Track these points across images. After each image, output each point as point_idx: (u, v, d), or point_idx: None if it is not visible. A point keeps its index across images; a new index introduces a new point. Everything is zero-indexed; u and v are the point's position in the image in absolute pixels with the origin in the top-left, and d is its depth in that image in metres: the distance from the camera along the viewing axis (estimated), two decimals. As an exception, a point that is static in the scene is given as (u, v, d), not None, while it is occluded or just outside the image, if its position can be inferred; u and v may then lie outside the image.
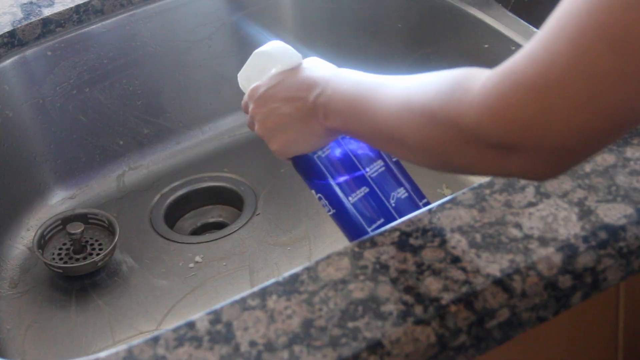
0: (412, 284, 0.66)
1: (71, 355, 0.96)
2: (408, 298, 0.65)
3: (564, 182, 0.73)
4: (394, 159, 0.80)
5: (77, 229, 1.05)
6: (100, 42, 1.12)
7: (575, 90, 0.55)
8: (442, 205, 0.72)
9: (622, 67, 0.54)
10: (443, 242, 0.69)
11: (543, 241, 0.68)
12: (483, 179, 0.76)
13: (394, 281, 0.67)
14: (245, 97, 0.82)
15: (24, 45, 1.08)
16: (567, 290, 0.67)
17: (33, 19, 1.08)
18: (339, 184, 0.77)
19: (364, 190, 0.77)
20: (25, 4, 1.10)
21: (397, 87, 0.69)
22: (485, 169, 0.63)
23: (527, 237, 0.69)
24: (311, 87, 0.76)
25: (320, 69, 0.78)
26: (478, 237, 0.69)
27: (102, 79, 1.14)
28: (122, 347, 0.65)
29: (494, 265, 0.67)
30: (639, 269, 0.70)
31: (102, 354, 0.65)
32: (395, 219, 0.75)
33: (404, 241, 0.70)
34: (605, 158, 0.75)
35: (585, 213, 0.70)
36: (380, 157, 0.79)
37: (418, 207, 0.77)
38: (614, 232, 0.69)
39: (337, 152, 0.79)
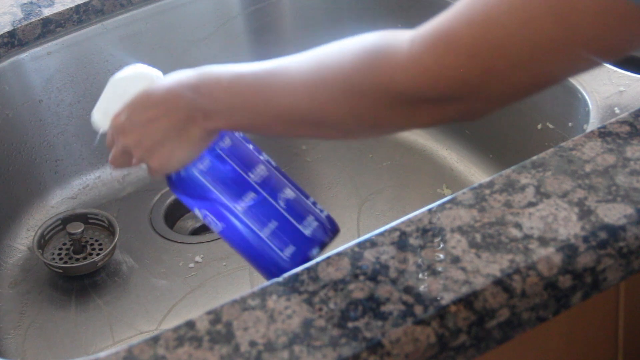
0: (412, 284, 0.66)
1: (71, 355, 0.96)
2: (408, 298, 0.65)
3: (564, 182, 0.73)
4: (274, 164, 0.78)
5: (77, 229, 1.05)
6: (100, 42, 1.12)
7: (517, 54, 0.58)
8: (442, 205, 0.72)
9: (565, 36, 0.57)
10: (443, 242, 0.69)
11: (543, 241, 0.68)
12: (483, 179, 0.76)
13: (394, 281, 0.67)
14: (108, 131, 0.78)
15: (24, 45, 1.08)
16: (567, 290, 0.67)
17: (33, 19, 1.08)
18: (224, 195, 0.75)
19: (251, 196, 0.75)
20: (25, 4, 1.10)
21: (298, 69, 0.68)
22: (421, 121, 0.65)
23: (527, 237, 0.69)
24: (179, 96, 0.73)
25: (182, 76, 0.74)
26: (478, 237, 0.69)
27: (102, 79, 1.13)
28: (122, 347, 0.65)
29: (494, 265, 0.67)
30: (639, 269, 0.70)
31: (102, 354, 0.65)
32: (288, 221, 0.74)
33: (404, 241, 0.70)
34: (605, 158, 0.75)
35: (585, 213, 0.70)
36: (261, 161, 0.77)
37: (307, 206, 0.76)
38: (614, 232, 0.69)
39: (218, 162, 0.75)
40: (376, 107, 0.63)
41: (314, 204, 0.77)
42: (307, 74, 0.67)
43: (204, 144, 0.74)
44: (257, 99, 0.69)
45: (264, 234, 0.74)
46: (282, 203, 0.75)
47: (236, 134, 0.77)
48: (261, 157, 0.77)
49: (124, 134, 0.76)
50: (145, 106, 0.75)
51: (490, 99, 0.62)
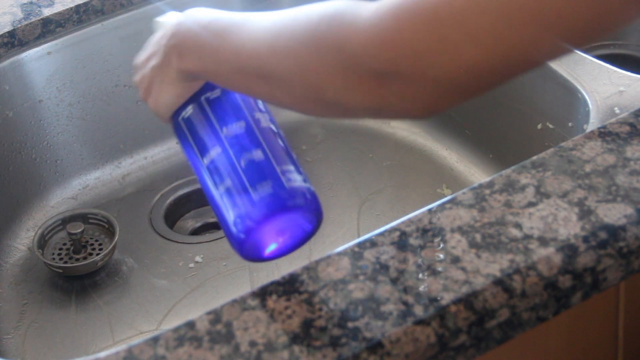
0: (412, 284, 0.66)
1: (71, 355, 0.96)
2: (408, 298, 0.65)
3: (564, 182, 0.73)
4: (272, 128, 0.74)
5: (77, 229, 1.05)
6: (100, 42, 1.12)
7: (475, 24, 0.56)
8: (442, 205, 0.72)
9: (530, 8, 0.55)
10: (443, 242, 0.69)
11: (543, 241, 0.68)
12: (483, 179, 0.76)
13: (394, 281, 0.67)
14: None
15: (24, 45, 1.08)
16: (567, 290, 0.67)
17: (33, 19, 1.08)
18: (197, 146, 0.74)
19: (216, 151, 0.72)
20: (25, 4, 1.10)
21: (268, 20, 0.67)
22: (360, 98, 0.61)
23: (527, 237, 0.69)
24: (165, 35, 0.73)
25: (181, 15, 0.74)
26: (478, 237, 0.69)
27: (102, 79, 1.14)
28: (122, 347, 0.65)
29: (494, 265, 0.67)
30: (639, 269, 0.70)
31: (102, 354, 0.65)
32: (241, 181, 0.70)
33: (404, 241, 0.70)
34: (605, 158, 0.75)
35: (585, 213, 0.70)
36: (245, 119, 0.74)
37: (274, 174, 0.71)
38: (614, 232, 0.69)
39: (197, 111, 0.75)
40: (324, 68, 0.61)
41: (286, 172, 0.71)
42: (272, 23, 0.66)
43: (183, 88, 0.74)
44: (224, 43, 0.68)
45: (219, 191, 0.72)
46: (243, 163, 0.71)
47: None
48: (250, 116, 0.74)
49: (135, 76, 0.78)
50: (147, 46, 0.77)
51: (438, 83, 0.58)
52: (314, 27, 0.62)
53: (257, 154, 0.72)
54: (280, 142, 0.74)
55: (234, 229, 0.70)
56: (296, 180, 0.71)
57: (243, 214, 0.70)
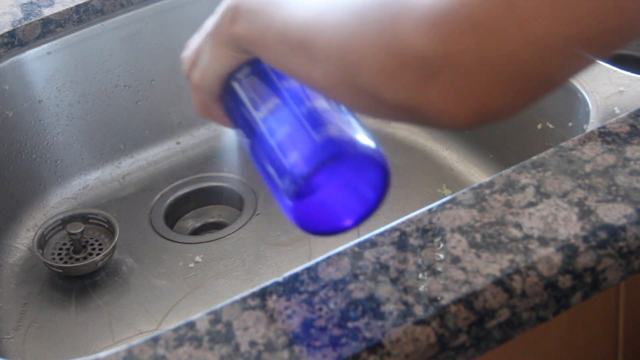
0: (412, 284, 0.66)
1: (71, 355, 0.96)
2: (408, 298, 0.65)
3: (564, 182, 0.73)
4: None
5: (77, 229, 1.05)
6: (100, 42, 1.12)
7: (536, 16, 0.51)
8: (442, 205, 0.72)
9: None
10: (443, 242, 0.69)
11: (543, 241, 0.68)
12: (483, 179, 0.76)
13: (394, 281, 0.67)
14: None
15: (24, 45, 1.08)
16: (567, 290, 0.67)
17: (33, 19, 1.08)
18: (252, 103, 0.69)
19: (274, 102, 0.68)
20: (25, 4, 1.10)
21: None
22: (397, 90, 0.55)
23: (527, 237, 0.69)
24: (221, 5, 0.70)
25: None
26: (478, 237, 0.69)
27: (102, 79, 1.14)
28: (122, 347, 0.65)
29: (494, 265, 0.67)
30: (639, 269, 0.70)
31: (102, 354, 0.65)
32: (302, 125, 0.65)
33: (404, 241, 0.70)
34: (605, 158, 0.75)
35: (585, 213, 0.70)
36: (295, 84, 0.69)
37: (334, 117, 0.66)
38: (614, 232, 0.69)
39: (252, 73, 0.70)
40: (364, 45, 0.55)
41: (350, 122, 0.66)
42: None
43: (233, 58, 0.69)
44: (277, 9, 0.63)
45: (276, 138, 0.66)
46: (303, 109, 0.66)
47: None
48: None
49: (184, 62, 0.74)
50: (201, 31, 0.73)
51: (496, 73, 0.52)
52: (371, 4, 0.55)
53: (320, 103, 0.66)
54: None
55: (291, 173, 0.64)
56: (361, 131, 0.65)
57: (304, 157, 0.63)
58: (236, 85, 0.71)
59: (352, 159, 0.64)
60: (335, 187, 0.66)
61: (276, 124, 0.67)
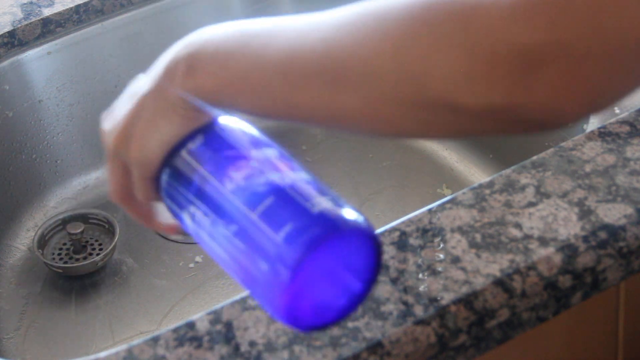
0: (412, 284, 0.66)
1: (71, 355, 0.96)
2: (408, 298, 0.65)
3: (564, 182, 0.73)
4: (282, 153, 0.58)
5: (77, 229, 1.05)
6: (100, 42, 1.12)
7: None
8: (442, 205, 0.72)
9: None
10: (443, 242, 0.69)
11: (543, 241, 0.68)
12: (483, 179, 0.76)
13: (394, 281, 0.67)
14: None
15: (24, 45, 1.08)
16: (567, 290, 0.67)
17: (33, 19, 1.08)
18: (215, 176, 0.57)
19: (245, 172, 0.56)
20: (25, 4, 1.10)
21: (323, 16, 0.52)
22: (489, 92, 0.47)
23: (527, 237, 0.69)
24: (162, 60, 0.60)
25: (191, 35, 0.59)
26: (478, 237, 0.69)
27: (102, 79, 1.14)
28: (122, 347, 0.65)
29: (494, 265, 0.67)
30: (639, 269, 0.70)
31: (102, 354, 0.65)
32: (290, 197, 0.54)
33: (404, 241, 0.70)
34: (605, 158, 0.75)
35: (585, 213, 0.70)
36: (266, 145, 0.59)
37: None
38: (614, 232, 0.69)
39: (210, 142, 0.59)
40: (434, 53, 0.46)
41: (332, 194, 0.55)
42: (332, 17, 0.51)
43: (184, 116, 0.57)
44: (255, 46, 0.53)
45: (256, 213, 0.54)
46: (287, 180, 0.55)
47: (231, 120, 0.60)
48: (271, 144, 0.59)
49: (103, 123, 0.63)
50: (122, 96, 0.62)
51: (613, 53, 0.45)
52: (412, 5, 0.48)
53: (302, 174, 0.57)
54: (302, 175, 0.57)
55: (283, 255, 0.52)
56: (347, 204, 0.55)
57: (299, 228, 0.53)
58: (187, 157, 0.58)
59: (348, 235, 0.54)
60: (328, 271, 0.55)
61: (252, 199, 0.54)
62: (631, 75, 0.48)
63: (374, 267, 0.55)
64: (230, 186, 0.56)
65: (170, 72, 0.57)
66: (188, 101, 0.56)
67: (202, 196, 0.57)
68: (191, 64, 0.56)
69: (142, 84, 0.61)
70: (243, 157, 0.57)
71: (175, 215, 0.60)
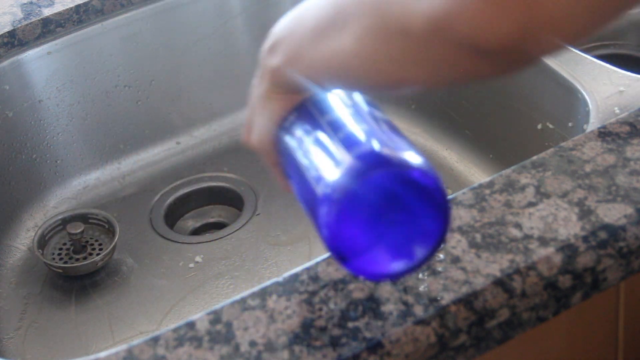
0: (412, 284, 0.66)
1: (71, 355, 0.96)
2: (408, 298, 0.65)
3: (564, 182, 0.73)
4: (377, 114, 0.62)
5: (77, 229, 1.05)
6: (100, 42, 1.12)
7: None
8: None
9: None
10: (443, 242, 0.69)
11: (543, 241, 0.68)
12: (483, 179, 0.76)
13: (394, 281, 0.67)
14: None
15: (24, 45, 1.08)
16: (567, 290, 0.67)
17: (33, 19, 1.08)
18: (310, 148, 0.61)
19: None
20: (25, 4, 1.10)
21: None
22: (430, 5, 0.46)
23: (527, 237, 0.69)
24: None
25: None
26: (478, 237, 0.69)
27: (102, 79, 1.14)
28: (122, 347, 0.65)
29: (494, 265, 0.67)
30: (639, 269, 0.70)
31: (102, 354, 0.65)
32: (335, 148, 0.58)
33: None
34: (605, 158, 0.75)
35: (585, 213, 0.70)
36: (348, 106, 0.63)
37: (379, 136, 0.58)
38: (614, 232, 0.69)
39: (304, 113, 0.64)
40: None
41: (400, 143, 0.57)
42: None
43: (279, 97, 0.64)
44: (300, 15, 0.58)
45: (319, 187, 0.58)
46: (341, 135, 0.59)
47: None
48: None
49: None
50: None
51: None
52: None
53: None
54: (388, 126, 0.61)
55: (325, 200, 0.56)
56: (408, 150, 0.57)
57: (336, 177, 0.56)
58: (284, 134, 0.65)
59: (408, 179, 0.55)
60: (385, 213, 0.56)
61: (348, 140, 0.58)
62: None
63: (436, 236, 0.57)
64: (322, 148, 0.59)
65: (262, 62, 0.63)
66: (276, 83, 0.62)
67: (294, 170, 0.63)
68: (271, 48, 0.61)
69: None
70: (340, 123, 0.60)
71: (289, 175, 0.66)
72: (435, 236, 0.57)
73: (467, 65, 0.49)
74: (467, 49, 0.47)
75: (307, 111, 0.63)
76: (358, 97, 0.65)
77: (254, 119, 0.67)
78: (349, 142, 0.58)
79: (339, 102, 0.63)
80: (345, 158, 0.56)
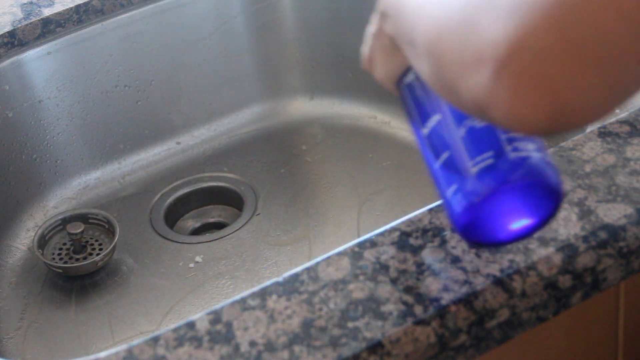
0: (412, 284, 0.66)
1: (71, 355, 0.96)
2: (408, 298, 0.65)
3: (564, 182, 0.73)
4: None
5: (77, 229, 1.05)
6: (100, 42, 1.12)
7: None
8: (442, 205, 0.72)
9: None
10: (443, 242, 0.69)
11: (543, 241, 0.68)
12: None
13: (394, 281, 0.67)
14: None
15: (24, 45, 1.08)
16: (567, 290, 0.67)
17: (33, 19, 1.08)
18: (417, 114, 0.67)
19: (436, 118, 0.65)
20: (25, 4, 1.10)
21: None
22: (471, 89, 0.49)
23: (527, 237, 0.69)
24: (378, 4, 0.66)
25: None
26: (478, 237, 0.69)
27: (102, 79, 1.14)
28: (122, 347, 0.65)
29: (494, 265, 0.67)
30: (639, 269, 0.70)
31: (102, 354, 0.65)
32: (461, 153, 0.62)
33: (404, 241, 0.70)
34: (605, 158, 0.75)
35: (585, 213, 0.70)
36: None
37: (494, 141, 0.61)
38: (614, 232, 0.69)
39: (416, 80, 0.68)
40: (452, 45, 0.49)
41: (517, 144, 0.61)
42: None
43: (398, 57, 0.65)
44: (403, 4, 0.58)
45: (438, 164, 0.64)
46: (463, 131, 0.62)
47: None
48: None
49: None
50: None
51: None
52: None
53: (477, 122, 0.62)
54: None
55: (454, 207, 0.62)
56: (524, 150, 0.61)
57: (462, 190, 0.61)
58: (403, 90, 0.69)
59: (512, 187, 0.61)
60: (497, 207, 0.62)
61: (437, 145, 0.64)
62: (609, 80, 0.46)
63: (552, 210, 0.63)
64: (437, 117, 0.64)
65: (378, 18, 0.65)
66: (392, 43, 0.64)
67: (412, 123, 0.68)
68: (382, 15, 0.64)
69: (372, 19, 0.68)
70: (437, 100, 0.65)
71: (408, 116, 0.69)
72: (553, 205, 0.63)
73: None
74: (508, 129, 0.51)
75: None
76: None
77: (375, 56, 0.68)
78: (473, 145, 0.62)
79: None
80: (469, 171, 0.61)
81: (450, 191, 0.62)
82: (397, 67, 0.67)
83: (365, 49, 0.70)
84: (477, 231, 0.64)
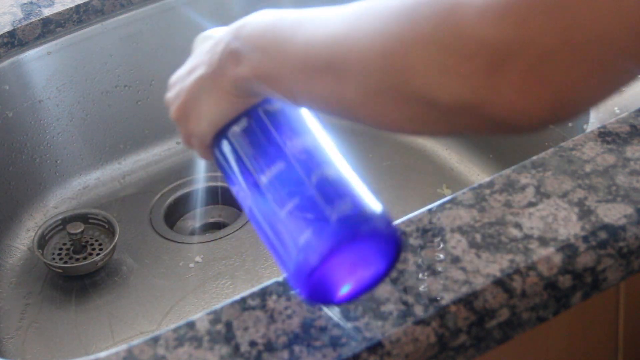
0: (412, 284, 0.66)
1: (71, 355, 0.96)
2: (408, 298, 0.65)
3: (564, 182, 0.73)
4: (331, 145, 0.65)
5: (77, 229, 1.05)
6: (100, 42, 1.12)
7: (599, 26, 0.46)
8: (442, 205, 0.72)
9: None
10: (443, 242, 0.69)
11: (543, 241, 0.68)
12: (483, 179, 0.76)
13: (394, 281, 0.67)
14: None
15: (24, 45, 1.08)
16: (567, 290, 0.67)
17: (33, 19, 1.08)
18: (252, 162, 0.63)
19: (280, 166, 0.62)
20: (25, 4, 1.10)
21: (349, 7, 0.55)
22: (458, 87, 0.48)
23: (527, 237, 0.69)
24: (220, 41, 0.63)
25: (243, 19, 0.63)
26: (478, 237, 0.69)
27: (102, 79, 1.14)
28: (122, 347, 0.65)
29: (494, 265, 0.67)
30: (639, 269, 0.70)
31: (102, 354, 0.65)
32: (314, 200, 0.59)
33: (403, 241, 0.70)
34: (605, 158, 0.75)
35: (585, 213, 0.70)
36: (308, 132, 0.64)
37: (348, 190, 0.62)
38: (614, 232, 0.69)
39: (255, 125, 0.64)
40: (416, 47, 0.49)
41: (368, 198, 0.62)
42: (354, 8, 0.54)
43: (235, 103, 0.63)
44: (292, 39, 0.57)
45: (284, 211, 0.60)
46: (314, 179, 0.60)
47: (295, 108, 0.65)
48: (312, 133, 0.64)
49: (168, 94, 0.69)
50: (189, 62, 0.67)
51: (584, 56, 0.46)
52: (403, 4, 0.51)
53: (331, 171, 0.62)
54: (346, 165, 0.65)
55: (301, 257, 0.58)
56: (375, 204, 0.62)
57: (316, 237, 0.58)
58: (233, 139, 0.65)
59: (370, 236, 0.59)
60: (347, 259, 0.59)
61: (282, 192, 0.60)
62: (607, 77, 0.48)
63: (393, 257, 0.60)
64: (263, 179, 0.62)
65: (223, 61, 0.63)
66: (237, 87, 0.62)
67: (240, 177, 0.64)
68: (235, 58, 0.61)
69: (200, 61, 0.66)
70: (279, 148, 0.62)
71: (225, 177, 0.66)
72: (390, 259, 0.61)
73: (493, 133, 0.54)
74: (499, 125, 0.50)
75: (262, 125, 0.64)
76: (314, 122, 0.66)
77: (196, 101, 0.65)
78: (325, 193, 0.60)
79: (299, 123, 0.65)
80: (324, 220, 0.58)
81: (302, 238, 0.58)
82: (230, 113, 0.64)
83: (178, 96, 0.67)
84: (324, 285, 0.60)
